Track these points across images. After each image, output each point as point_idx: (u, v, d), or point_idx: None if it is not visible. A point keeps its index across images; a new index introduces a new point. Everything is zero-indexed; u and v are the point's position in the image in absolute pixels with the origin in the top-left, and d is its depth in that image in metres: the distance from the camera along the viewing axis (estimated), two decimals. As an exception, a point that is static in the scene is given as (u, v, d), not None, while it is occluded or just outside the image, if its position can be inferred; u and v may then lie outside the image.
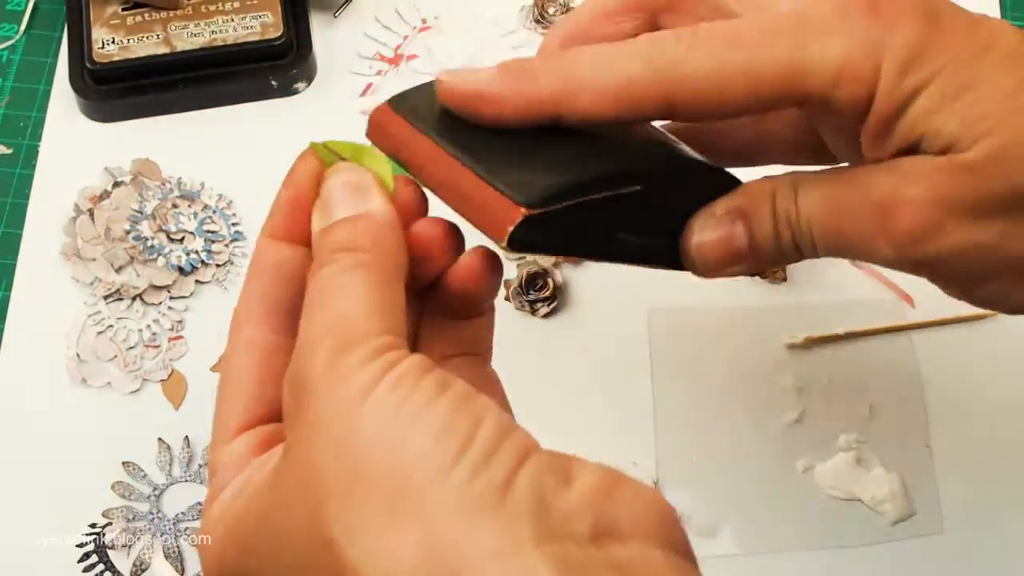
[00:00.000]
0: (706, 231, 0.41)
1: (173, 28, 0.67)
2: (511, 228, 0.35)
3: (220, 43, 0.66)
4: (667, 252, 0.42)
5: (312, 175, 0.38)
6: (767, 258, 0.41)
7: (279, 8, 0.67)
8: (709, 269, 0.41)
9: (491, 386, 0.39)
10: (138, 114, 0.67)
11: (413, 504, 0.28)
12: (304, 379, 0.31)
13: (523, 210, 0.35)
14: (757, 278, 0.63)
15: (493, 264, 0.38)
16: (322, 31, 0.70)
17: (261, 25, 0.67)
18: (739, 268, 0.41)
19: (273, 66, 0.67)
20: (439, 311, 0.39)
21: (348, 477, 0.29)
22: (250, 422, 0.36)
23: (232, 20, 0.67)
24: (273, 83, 0.67)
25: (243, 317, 0.38)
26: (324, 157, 0.38)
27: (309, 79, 0.69)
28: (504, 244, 0.35)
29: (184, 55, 0.66)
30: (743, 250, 0.40)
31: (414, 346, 0.38)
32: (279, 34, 0.67)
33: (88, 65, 0.66)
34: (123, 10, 0.67)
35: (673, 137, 0.42)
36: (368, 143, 0.38)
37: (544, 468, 0.30)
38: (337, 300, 0.33)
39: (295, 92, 0.68)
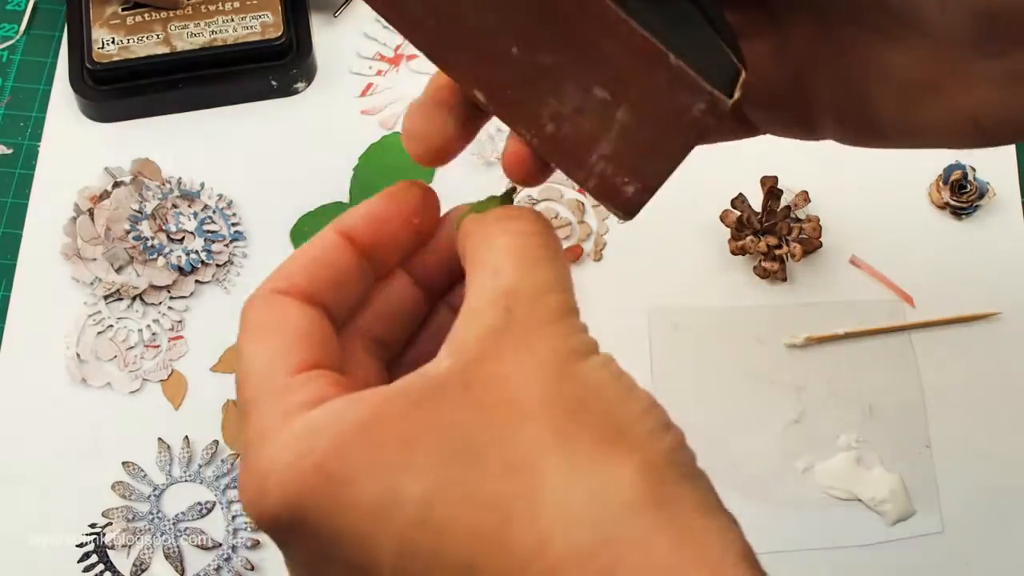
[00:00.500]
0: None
1: (173, 28, 0.67)
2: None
3: (220, 43, 0.66)
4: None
5: (424, 201, 0.38)
6: None
7: (279, 8, 0.67)
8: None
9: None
10: (138, 114, 0.67)
11: (630, 448, 0.30)
12: (523, 314, 0.32)
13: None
14: (757, 278, 0.63)
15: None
16: (322, 31, 0.70)
17: (261, 25, 0.67)
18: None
19: (273, 66, 0.67)
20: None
21: (566, 412, 0.30)
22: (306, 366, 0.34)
23: (232, 20, 0.67)
24: (273, 83, 0.67)
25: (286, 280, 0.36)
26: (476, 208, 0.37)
27: (309, 79, 0.69)
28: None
29: (184, 55, 0.66)
30: None
31: None
32: (279, 34, 0.67)
33: (88, 65, 0.66)
34: (123, 10, 0.67)
35: None
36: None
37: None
38: (529, 262, 0.34)
39: (295, 92, 0.68)
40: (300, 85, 0.68)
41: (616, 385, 0.32)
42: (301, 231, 0.64)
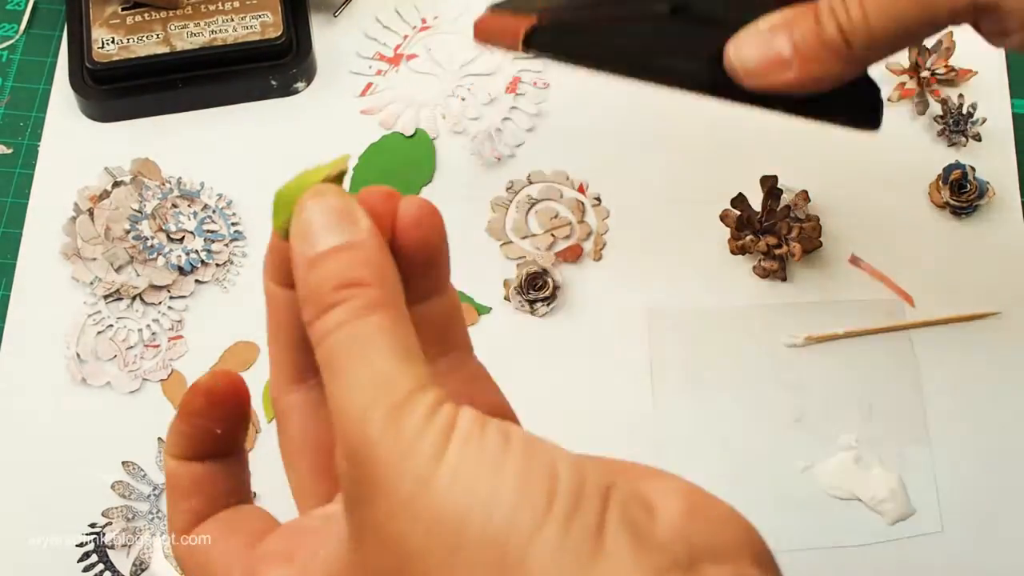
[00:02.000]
0: (749, 38, 0.44)
1: (173, 28, 0.67)
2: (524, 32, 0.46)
3: (220, 43, 0.66)
4: (705, 74, 0.45)
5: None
6: (811, 58, 0.43)
7: (279, 8, 0.67)
8: (750, 74, 0.44)
9: (484, 383, 0.37)
10: (138, 114, 0.67)
11: (515, 570, 0.28)
12: (364, 455, 0.29)
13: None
14: (757, 278, 0.63)
15: (431, 205, 0.35)
16: (322, 31, 0.70)
17: (261, 25, 0.67)
18: (782, 76, 0.44)
19: (273, 66, 0.67)
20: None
21: (443, 550, 0.28)
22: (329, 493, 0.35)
23: (232, 20, 0.67)
24: (273, 83, 0.67)
25: (277, 387, 0.36)
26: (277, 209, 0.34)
27: (309, 79, 0.69)
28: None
29: (184, 55, 0.66)
30: (785, 54, 0.43)
31: None
32: (279, 34, 0.67)
33: (88, 65, 0.66)
34: (123, 10, 0.67)
35: None
36: (339, 162, 0.35)
37: (628, 500, 0.29)
38: (365, 357, 0.30)
39: (295, 92, 0.68)
40: (300, 85, 0.68)
41: (476, 488, 0.29)
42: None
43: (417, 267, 0.34)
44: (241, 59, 0.67)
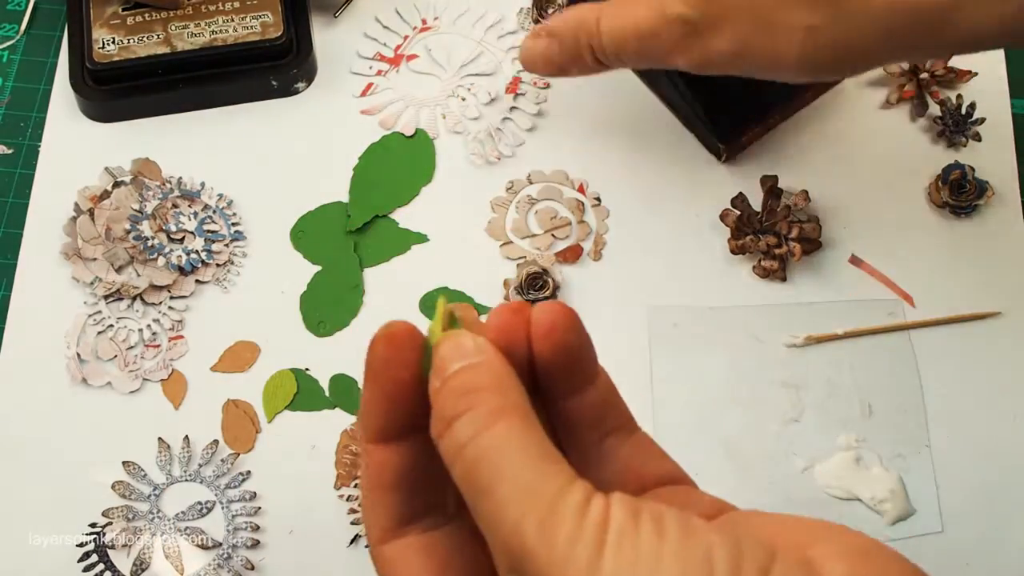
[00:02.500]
0: (529, 40, 0.58)
1: (173, 28, 0.67)
2: None
3: (220, 43, 0.66)
4: None
5: (385, 361, 0.35)
6: (571, 67, 0.57)
7: (279, 8, 0.67)
8: (526, 65, 0.58)
9: (649, 454, 0.38)
10: (138, 114, 0.67)
11: None
12: (528, 567, 0.30)
13: None
14: (757, 277, 0.63)
15: (566, 309, 0.36)
16: (323, 31, 0.70)
17: (261, 25, 0.67)
18: (550, 69, 0.58)
19: (273, 66, 0.67)
20: (552, 399, 0.37)
21: None
22: None
23: (232, 20, 0.67)
24: (273, 83, 0.67)
25: (379, 534, 0.36)
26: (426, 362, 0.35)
27: (309, 79, 0.69)
28: None
29: (184, 55, 0.66)
30: (555, 59, 0.57)
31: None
32: (279, 34, 0.67)
33: (88, 65, 0.66)
34: (123, 10, 0.67)
35: None
36: (445, 309, 0.36)
37: (789, 575, 0.29)
38: (503, 467, 0.31)
39: (295, 92, 0.68)
40: (300, 85, 0.68)
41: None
42: (301, 231, 0.64)
43: (560, 369, 0.35)
44: (241, 59, 0.67)
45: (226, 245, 0.64)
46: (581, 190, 0.65)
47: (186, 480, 0.58)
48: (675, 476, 0.37)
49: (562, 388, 0.36)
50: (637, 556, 0.29)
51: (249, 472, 0.58)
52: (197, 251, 0.63)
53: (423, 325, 0.35)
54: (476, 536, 0.33)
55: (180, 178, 0.65)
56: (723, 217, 0.63)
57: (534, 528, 0.30)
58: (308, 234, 0.64)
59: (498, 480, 0.31)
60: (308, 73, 0.68)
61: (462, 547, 0.35)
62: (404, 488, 0.36)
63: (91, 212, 0.64)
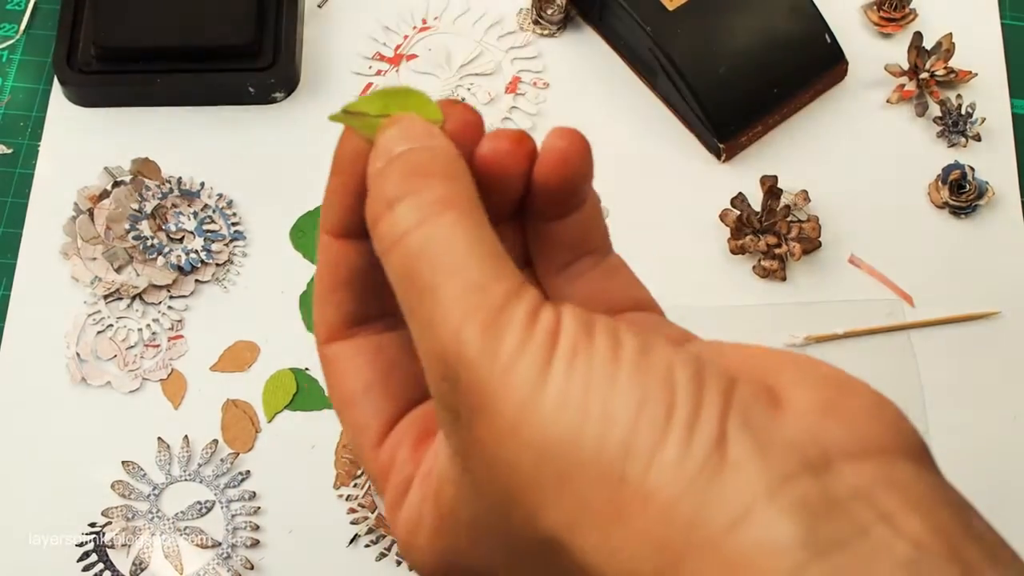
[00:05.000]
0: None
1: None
2: None
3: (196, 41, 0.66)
4: None
5: (355, 154, 0.31)
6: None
7: (252, 13, 0.67)
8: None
9: (622, 278, 0.35)
10: (132, 102, 0.67)
11: (635, 494, 0.25)
12: (462, 377, 0.27)
13: None
14: (757, 277, 0.63)
15: (582, 138, 0.32)
16: (322, 31, 0.70)
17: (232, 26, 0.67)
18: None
19: (249, 71, 0.67)
20: (534, 219, 0.34)
21: (555, 476, 0.26)
22: (390, 421, 0.33)
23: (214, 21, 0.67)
24: (251, 90, 0.67)
25: (326, 332, 0.34)
26: (357, 126, 0.32)
27: (289, 89, 0.68)
28: None
29: (172, 46, 0.66)
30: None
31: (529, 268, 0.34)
32: (249, 40, 0.66)
33: (96, 43, 0.65)
34: None
35: None
36: (399, 85, 0.34)
37: (751, 399, 0.26)
38: (446, 261, 0.28)
39: (273, 101, 0.68)
40: (279, 95, 0.67)
41: (588, 410, 0.26)
42: (301, 231, 0.64)
43: (559, 194, 0.32)
44: (212, 58, 0.66)
45: (226, 245, 0.64)
46: (581, 190, 0.65)
47: (186, 480, 0.58)
48: (644, 303, 0.34)
49: (552, 212, 0.33)
50: (589, 372, 0.26)
51: (249, 472, 0.58)
52: (197, 251, 0.63)
53: None
54: None
55: (180, 178, 0.65)
56: (723, 217, 0.63)
57: (476, 334, 0.27)
58: (308, 234, 0.64)
59: (441, 276, 0.27)
60: (287, 83, 0.67)
61: (413, 353, 0.30)
62: (358, 286, 0.33)
63: (90, 212, 0.64)
